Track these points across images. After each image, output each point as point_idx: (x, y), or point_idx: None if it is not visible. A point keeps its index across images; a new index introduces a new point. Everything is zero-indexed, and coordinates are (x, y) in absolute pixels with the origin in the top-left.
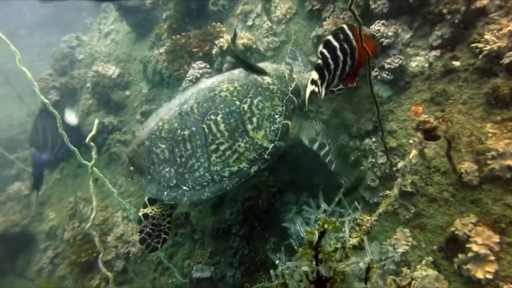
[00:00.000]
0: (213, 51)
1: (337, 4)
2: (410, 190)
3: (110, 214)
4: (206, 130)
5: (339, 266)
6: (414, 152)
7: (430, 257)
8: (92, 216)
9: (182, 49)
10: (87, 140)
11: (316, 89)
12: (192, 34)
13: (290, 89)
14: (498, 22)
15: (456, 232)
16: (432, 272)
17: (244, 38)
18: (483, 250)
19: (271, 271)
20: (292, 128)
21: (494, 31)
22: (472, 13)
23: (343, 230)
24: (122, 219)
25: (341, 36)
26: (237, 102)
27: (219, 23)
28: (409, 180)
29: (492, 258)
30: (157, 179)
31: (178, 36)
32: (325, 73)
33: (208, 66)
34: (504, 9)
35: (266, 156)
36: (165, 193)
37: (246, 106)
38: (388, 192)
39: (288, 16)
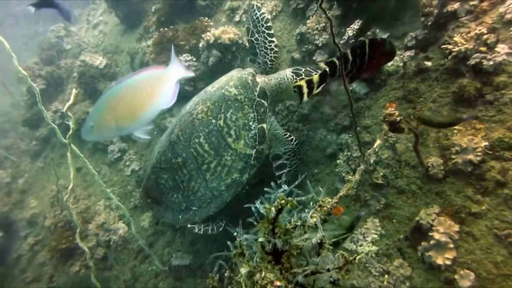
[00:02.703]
0: (200, 45)
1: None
2: (382, 182)
3: (93, 202)
4: (194, 153)
5: (294, 241)
6: (379, 141)
7: (376, 235)
8: (70, 187)
9: (170, 42)
10: (64, 109)
11: (306, 90)
12: (180, 27)
13: (256, 93)
14: (467, 26)
15: (421, 221)
16: (375, 248)
17: (230, 33)
18: (443, 238)
19: (229, 243)
20: (267, 130)
21: (463, 34)
22: (444, 16)
23: (306, 210)
24: (104, 208)
25: (359, 50)
26: (213, 121)
27: (206, 18)
28: (381, 174)
29: (451, 245)
30: (170, 205)
31: (166, 29)
32: (327, 79)
33: (194, 59)
34: (473, 14)
35: (252, 162)
36: (180, 216)
37: (221, 122)
38: (350, 177)
39: (274, 13)
